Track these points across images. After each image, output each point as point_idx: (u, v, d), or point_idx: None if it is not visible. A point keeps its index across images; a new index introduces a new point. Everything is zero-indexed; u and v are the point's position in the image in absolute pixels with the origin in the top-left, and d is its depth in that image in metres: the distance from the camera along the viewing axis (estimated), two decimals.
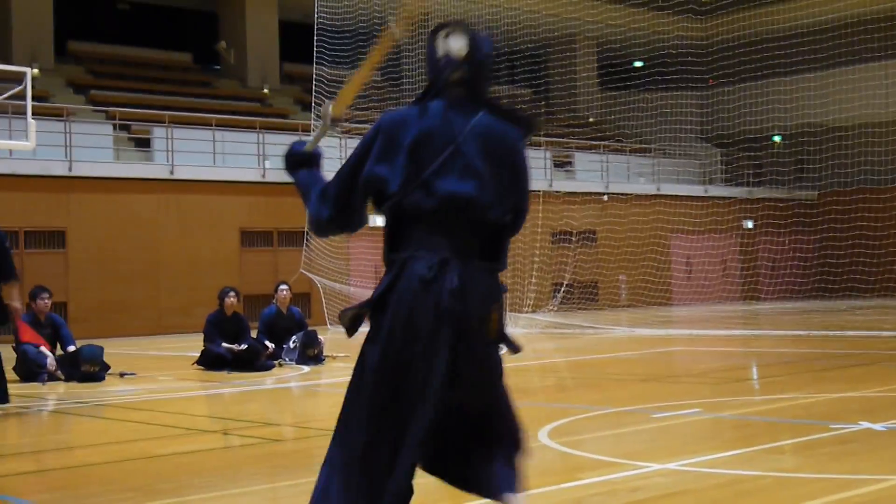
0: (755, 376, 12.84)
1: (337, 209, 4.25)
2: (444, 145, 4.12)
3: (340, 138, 29.79)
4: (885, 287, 35.16)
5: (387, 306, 4.08)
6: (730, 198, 38.62)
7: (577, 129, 39.61)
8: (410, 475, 4.12)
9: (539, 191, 29.71)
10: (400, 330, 4.04)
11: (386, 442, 4.10)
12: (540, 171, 34.04)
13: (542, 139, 35.56)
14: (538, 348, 18.15)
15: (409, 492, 4.15)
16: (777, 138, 41.85)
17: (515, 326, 23.20)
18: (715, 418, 8.91)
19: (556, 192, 32.33)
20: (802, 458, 6.93)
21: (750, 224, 39.30)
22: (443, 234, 4.11)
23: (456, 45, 4.19)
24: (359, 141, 4.23)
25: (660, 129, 40.63)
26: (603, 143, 38.43)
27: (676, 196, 37.02)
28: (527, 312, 25.73)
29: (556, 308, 29.10)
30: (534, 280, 26.58)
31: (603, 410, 9.56)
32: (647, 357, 15.82)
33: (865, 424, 8.00)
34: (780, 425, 8.36)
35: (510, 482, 4.62)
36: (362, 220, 4.36)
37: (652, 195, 36.21)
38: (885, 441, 7.39)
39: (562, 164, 36.58)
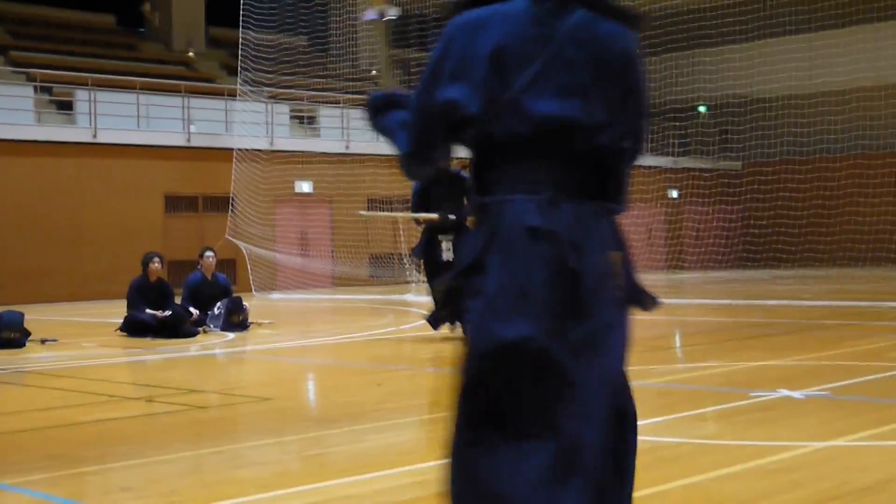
0: (678, 345, 12.97)
1: (418, 145, 3.37)
2: (535, 53, 3.17)
3: (266, 103, 29.55)
4: (806, 257, 35.68)
5: (486, 268, 3.14)
6: (655, 167, 38.87)
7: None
8: None
9: (465, 158, 29.58)
10: (509, 298, 3.08)
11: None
12: None
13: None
14: None
15: None
16: (702, 109, 42.16)
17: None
18: (638, 386, 8.96)
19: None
20: (723, 426, 7.02)
21: (675, 194, 39.60)
22: (543, 169, 3.21)
23: None
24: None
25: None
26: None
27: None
28: None
29: None
30: None
31: None
32: None
33: (784, 392, 8.11)
34: (701, 393, 8.45)
35: None
36: (446, 154, 3.44)
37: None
38: (802, 408, 7.50)
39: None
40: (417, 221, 13.34)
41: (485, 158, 3.29)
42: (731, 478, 5.49)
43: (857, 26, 36.61)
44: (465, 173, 12.91)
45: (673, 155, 40.65)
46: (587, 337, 3.14)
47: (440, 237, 12.79)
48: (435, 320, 12.50)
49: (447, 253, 12.65)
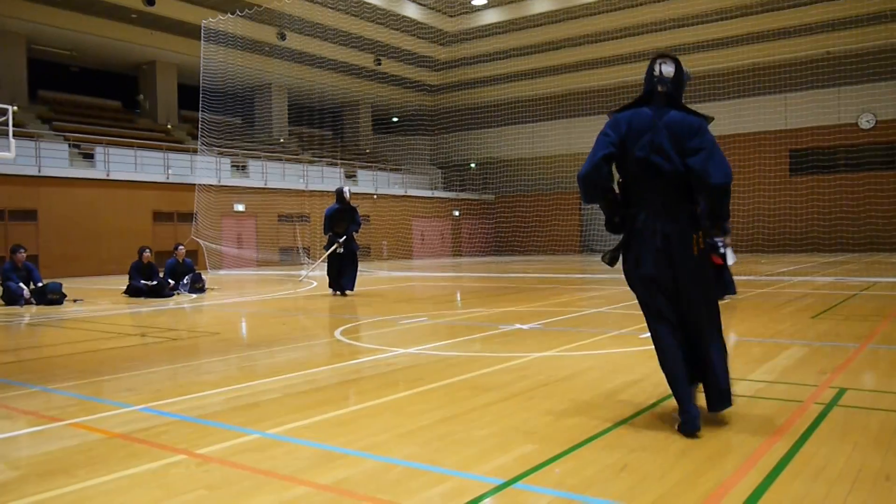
0: (458, 299, 13.11)
1: (589, 179, 4.04)
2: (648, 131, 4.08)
3: (216, 157, 28.58)
4: (532, 249, 36.55)
5: (630, 245, 4.12)
6: (445, 198, 39.25)
7: (359, 156, 39.32)
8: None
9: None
10: (641, 258, 4.08)
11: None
12: (337, 180, 33.65)
13: (339, 161, 35.11)
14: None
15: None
16: (473, 165, 42.80)
17: (322, 271, 22.96)
18: (434, 323, 9.04)
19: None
20: (484, 345, 7.12)
21: (457, 213, 40.09)
22: (649, 193, 4.08)
23: (667, 69, 4.15)
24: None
25: (406, 157, 40.83)
26: (374, 164, 38.29)
27: (417, 196, 37.31)
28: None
29: None
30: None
31: (371, 319, 9.58)
32: (397, 288, 15.93)
33: (518, 326, 8.27)
34: (471, 327, 8.52)
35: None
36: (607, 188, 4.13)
37: (402, 196, 36.38)
38: (528, 335, 7.65)
39: (350, 176, 36.23)
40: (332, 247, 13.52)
41: (626, 184, 4.13)
42: (490, 374, 5.58)
43: (566, 119, 37.63)
44: (358, 209, 13.45)
45: (456, 190, 41.09)
46: (675, 274, 4.03)
47: (337, 241, 13.26)
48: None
49: (339, 248, 13.20)
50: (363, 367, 6.04)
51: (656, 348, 4.06)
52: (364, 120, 42.06)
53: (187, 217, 26.59)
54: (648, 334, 7.14)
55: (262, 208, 29.69)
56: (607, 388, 5.04)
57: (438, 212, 38.35)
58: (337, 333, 8.08)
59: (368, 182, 35.74)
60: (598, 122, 36.86)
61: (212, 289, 15.62)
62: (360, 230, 13.45)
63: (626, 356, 6.23)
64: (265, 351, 7.05)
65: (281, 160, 33.07)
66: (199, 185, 26.59)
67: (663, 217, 4.04)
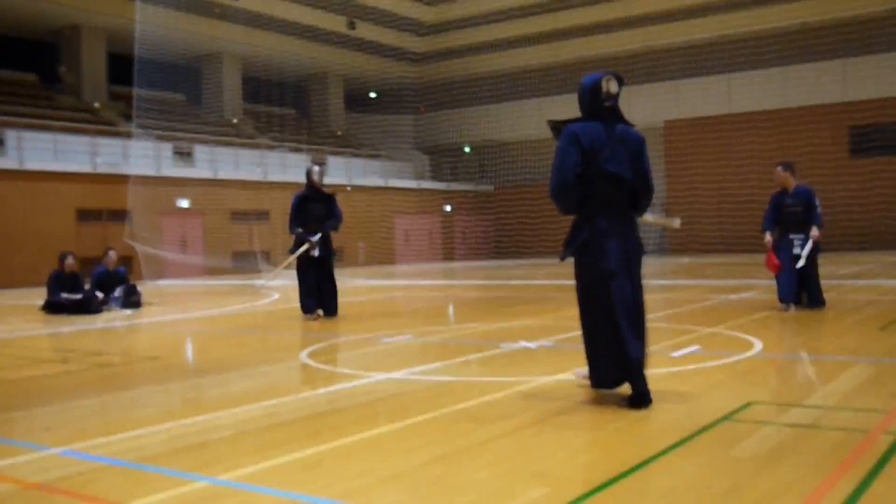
0: (451, 312, 13.11)
1: (560, 188, 5.42)
2: (605, 145, 5.41)
3: (155, 142, 28.53)
4: (540, 251, 36.65)
5: (590, 245, 5.46)
6: (434, 190, 39.31)
7: (328, 140, 39.35)
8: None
9: (302, 183, 29.35)
10: (604, 256, 5.40)
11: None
12: (303, 168, 33.67)
13: (304, 146, 35.15)
14: (293, 295, 17.98)
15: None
16: (467, 149, 42.87)
17: (284, 279, 22.93)
18: (423, 342, 9.03)
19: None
20: (482, 367, 7.12)
21: (448, 208, 40.13)
22: (609, 199, 5.47)
23: (614, 87, 5.49)
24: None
25: (387, 140, 40.88)
26: (347, 149, 38.31)
27: (398, 188, 37.35)
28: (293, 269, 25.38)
29: None
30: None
31: (346, 338, 9.56)
32: (376, 300, 15.93)
33: (523, 343, 8.28)
34: (467, 345, 8.54)
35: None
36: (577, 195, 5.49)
37: (381, 187, 36.41)
38: (535, 355, 7.67)
39: (319, 164, 36.21)
40: (299, 248, 11.91)
41: (587, 193, 5.43)
42: (490, 403, 5.56)
43: (569, 95, 37.72)
44: (337, 197, 12.34)
45: (447, 181, 41.15)
46: (625, 258, 5.41)
47: (308, 241, 11.69)
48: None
49: (314, 251, 11.71)
50: (336, 396, 6.02)
51: (596, 338, 5.55)
52: (335, 96, 42.10)
53: (119, 216, 26.52)
54: (682, 352, 7.16)
55: (212, 204, 29.67)
56: (633, 417, 5.03)
57: (426, 207, 38.40)
58: (304, 356, 8.06)
59: (341, 170, 35.77)
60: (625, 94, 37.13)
61: (150, 303, 15.60)
62: (339, 227, 11.94)
63: (656, 379, 6.22)
64: (216, 378, 7.03)
65: (234, 145, 33.05)
66: (134, 176, 26.51)
67: (622, 222, 5.50)
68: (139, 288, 15.33)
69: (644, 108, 36.28)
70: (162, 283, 24.86)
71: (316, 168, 11.88)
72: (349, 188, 34.55)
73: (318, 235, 11.73)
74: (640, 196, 5.55)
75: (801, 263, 10.47)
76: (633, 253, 5.49)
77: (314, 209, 11.78)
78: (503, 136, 39.53)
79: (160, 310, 14.68)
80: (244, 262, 29.52)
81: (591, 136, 5.40)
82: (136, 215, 26.29)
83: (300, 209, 11.81)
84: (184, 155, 30.89)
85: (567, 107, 38.44)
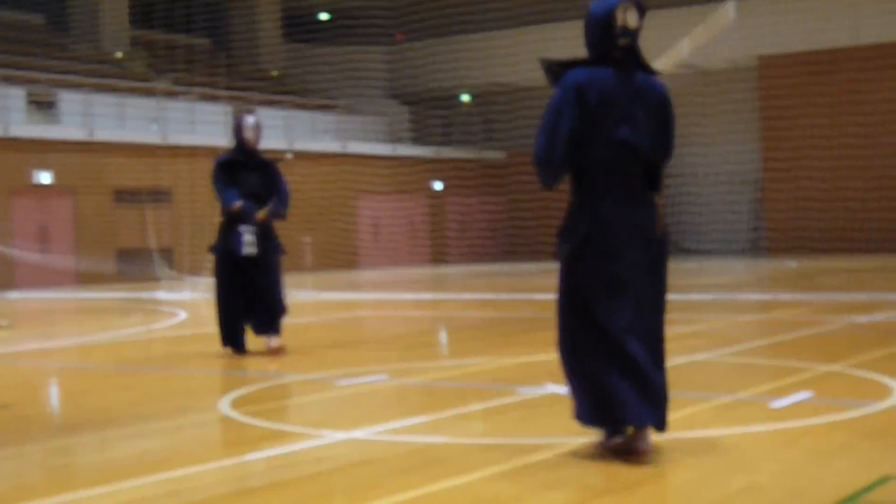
0: (443, 341, 13.11)
1: (548, 157, 5.78)
2: (621, 101, 5.72)
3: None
4: None
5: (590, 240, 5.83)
6: (417, 157, 39.26)
7: (259, 83, 39.30)
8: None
9: (219, 147, 29.33)
10: (609, 250, 5.77)
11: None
12: (220, 126, 33.65)
13: (222, 93, 35.11)
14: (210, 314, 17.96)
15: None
16: (466, 97, 42.83)
17: (195, 291, 22.88)
18: (401, 384, 9.02)
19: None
20: (490, 423, 7.12)
21: (438, 185, 40.07)
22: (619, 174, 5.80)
23: (632, 18, 5.65)
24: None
25: (346, 84, 40.83)
26: (286, 97, 38.29)
27: (363, 155, 37.31)
28: (207, 276, 25.38)
29: None
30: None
31: (286, 378, 9.55)
32: (332, 322, 15.92)
33: (551, 388, 8.25)
34: (467, 390, 8.53)
35: None
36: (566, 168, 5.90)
37: (337, 154, 36.38)
38: (568, 404, 7.65)
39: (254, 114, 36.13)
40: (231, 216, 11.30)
41: (589, 166, 5.77)
42: (498, 477, 5.55)
43: None
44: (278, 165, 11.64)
45: (436, 144, 41.07)
46: (645, 259, 5.76)
47: (242, 229, 11.14)
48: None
49: (249, 247, 11.19)
50: (272, 465, 6.02)
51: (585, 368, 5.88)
52: (267, 18, 42.08)
53: None
54: (782, 402, 7.20)
55: (86, 179, 29.64)
56: (711, 498, 5.06)
57: (405, 183, 38.39)
58: (224, 404, 8.06)
59: (277, 129, 35.73)
60: (680, 17, 37.23)
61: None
62: (286, 210, 11.49)
63: (746, 441, 6.23)
64: (93, 438, 7.02)
65: (118, 91, 33.01)
66: None
67: (638, 207, 5.81)
68: None
69: (727, 38, 36.34)
70: (12, 295, 24.81)
71: (250, 120, 11.54)
72: (290, 155, 34.53)
73: (255, 227, 11.25)
74: (659, 171, 5.93)
75: None
76: (654, 251, 5.82)
77: (247, 181, 11.33)
78: (520, 78, 39.50)
79: (10, 336, 14.66)
80: (134, 264, 29.51)
81: (599, 90, 5.66)
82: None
83: (228, 179, 11.34)
84: (43, 105, 30.85)
85: None
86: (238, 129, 11.43)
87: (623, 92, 5.69)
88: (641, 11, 5.68)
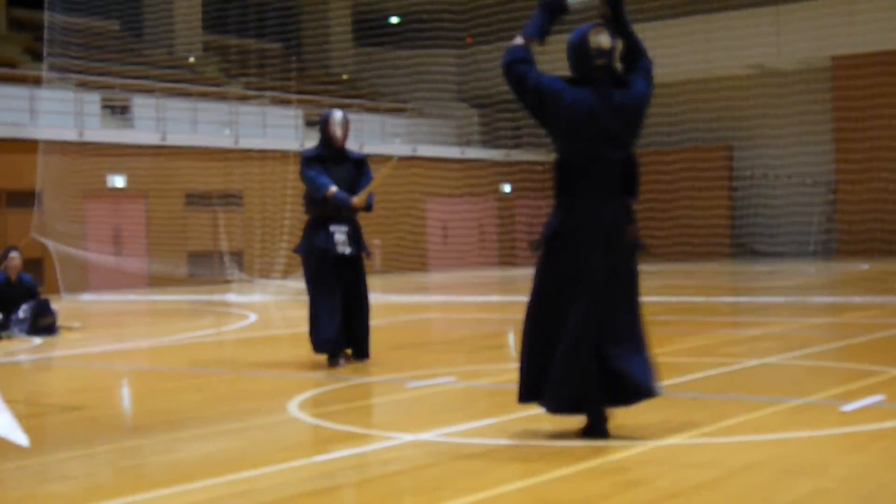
0: (511, 343, 13.09)
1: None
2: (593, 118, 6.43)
3: (75, 91, 28.86)
4: (658, 247, 36.36)
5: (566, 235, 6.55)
6: (487, 160, 39.25)
7: (330, 87, 39.47)
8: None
9: (290, 151, 29.54)
10: (580, 245, 6.50)
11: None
12: (291, 129, 33.85)
13: (294, 97, 35.33)
14: (289, 316, 18.07)
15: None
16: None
17: (265, 293, 23.04)
18: (470, 387, 9.02)
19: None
20: (557, 425, 7.10)
21: (507, 188, 40.02)
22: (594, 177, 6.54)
23: (604, 40, 6.49)
24: None
25: (416, 88, 40.90)
26: (357, 101, 38.43)
27: (433, 158, 37.35)
28: (276, 278, 25.56)
29: None
30: (284, 245, 26.42)
31: (355, 381, 9.59)
32: (401, 324, 15.95)
33: None
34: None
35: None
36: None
37: (407, 157, 36.43)
38: (637, 408, 7.58)
39: (314, 124, 36.30)
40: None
41: (567, 171, 6.54)
42: (565, 479, 5.54)
43: (688, 17, 37.56)
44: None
45: (506, 147, 41.02)
46: (611, 261, 6.47)
47: (334, 227, 10.70)
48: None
49: (343, 246, 10.71)
50: (339, 466, 6.04)
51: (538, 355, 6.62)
52: (338, 23, 42.26)
53: (24, 200, 26.85)
54: (856, 404, 7.11)
55: (158, 183, 29.94)
56: (780, 502, 5.01)
57: (474, 186, 38.40)
58: (293, 406, 8.10)
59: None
60: (773, 18, 36.79)
61: (68, 327, 15.76)
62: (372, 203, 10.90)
63: (815, 445, 6.17)
64: (162, 439, 7.10)
65: (191, 96, 33.32)
66: (45, 141, 26.83)
67: (612, 210, 6.51)
68: (54, 306, 15.50)
69: (801, 37, 35.99)
70: (86, 297, 25.11)
71: (338, 115, 11.02)
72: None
73: (348, 227, 10.81)
74: (634, 178, 6.62)
75: None
76: (622, 254, 6.57)
77: (335, 177, 10.79)
78: None
79: (83, 337, 14.81)
80: (205, 267, 29.76)
81: (578, 106, 6.44)
82: (48, 199, 26.58)
83: (318, 180, 10.74)
84: (117, 110, 31.21)
85: (690, 37, 37.86)
86: (325, 125, 11.00)
87: (600, 109, 6.41)
88: (613, 31, 6.51)
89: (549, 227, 6.57)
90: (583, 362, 6.39)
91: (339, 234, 10.73)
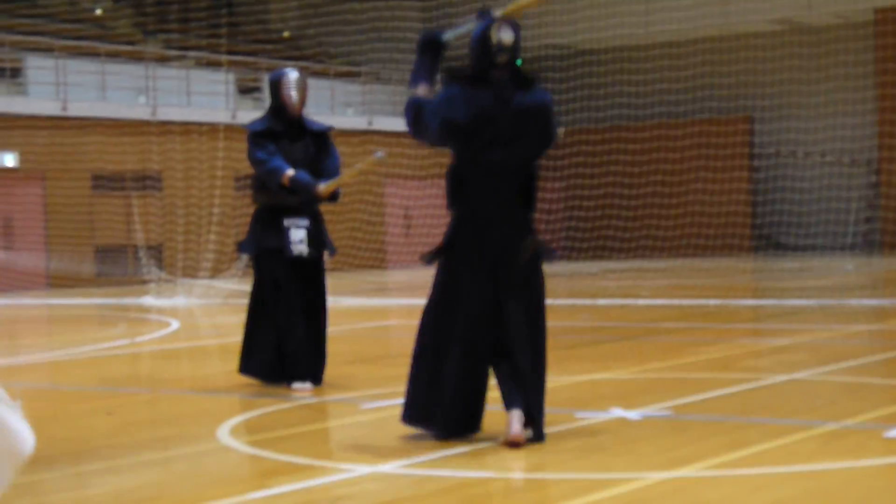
0: None
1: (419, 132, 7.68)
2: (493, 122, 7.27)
3: None
4: (643, 246, 36.54)
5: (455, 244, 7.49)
6: None
7: (268, 46, 39.43)
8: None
9: (219, 123, 29.51)
10: (470, 258, 7.39)
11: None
12: (221, 97, 33.78)
13: (225, 58, 35.27)
14: (219, 323, 18.07)
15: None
16: (517, 62, 42.72)
17: (189, 296, 23.01)
18: None
19: (242, 125, 32.20)
20: (544, 455, 7.11)
21: None
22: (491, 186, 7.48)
23: (507, 35, 7.27)
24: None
25: (372, 47, 40.88)
26: (301, 63, 38.37)
27: (392, 132, 37.27)
28: (204, 278, 25.53)
29: (241, 272, 28.99)
30: (213, 237, 26.40)
31: (300, 401, 9.59)
32: (355, 333, 15.97)
33: (617, 412, 8.27)
34: None
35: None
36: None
37: (362, 130, 36.42)
38: (638, 433, 7.65)
39: (249, 91, 36.29)
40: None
41: (463, 179, 7.44)
42: None
43: None
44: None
45: None
46: (508, 279, 7.28)
47: (289, 222, 10.34)
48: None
49: (299, 246, 10.36)
50: None
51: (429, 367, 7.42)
52: None
53: None
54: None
55: (58, 162, 29.84)
56: None
57: (444, 165, 38.29)
58: (224, 432, 8.11)
59: None
60: None
61: None
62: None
63: (855, 477, 6.22)
64: (68, 473, 7.09)
65: (98, 56, 33.20)
66: None
67: (507, 221, 7.32)
68: None
69: None
70: None
71: (293, 75, 10.53)
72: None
73: (307, 221, 10.49)
74: (532, 191, 7.46)
75: None
76: (521, 272, 7.33)
77: (289, 156, 10.37)
78: (581, 39, 39.47)
79: None
80: (117, 264, 29.70)
81: (474, 112, 7.22)
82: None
83: (272, 159, 10.32)
84: (7, 73, 31.07)
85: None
86: (277, 88, 10.48)
87: (499, 113, 7.21)
88: (516, 29, 7.27)
89: (443, 239, 7.42)
90: (469, 384, 7.35)
91: (296, 229, 10.35)
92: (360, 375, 11.09)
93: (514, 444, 7.04)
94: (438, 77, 7.63)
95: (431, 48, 7.65)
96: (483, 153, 7.26)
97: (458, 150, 7.41)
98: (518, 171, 7.36)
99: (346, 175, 10.50)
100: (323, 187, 10.19)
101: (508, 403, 7.24)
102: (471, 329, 7.31)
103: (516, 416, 7.14)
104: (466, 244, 7.32)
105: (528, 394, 7.25)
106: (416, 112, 7.42)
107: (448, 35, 7.71)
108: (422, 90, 7.48)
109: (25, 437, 3.56)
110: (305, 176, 10.13)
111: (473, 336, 7.32)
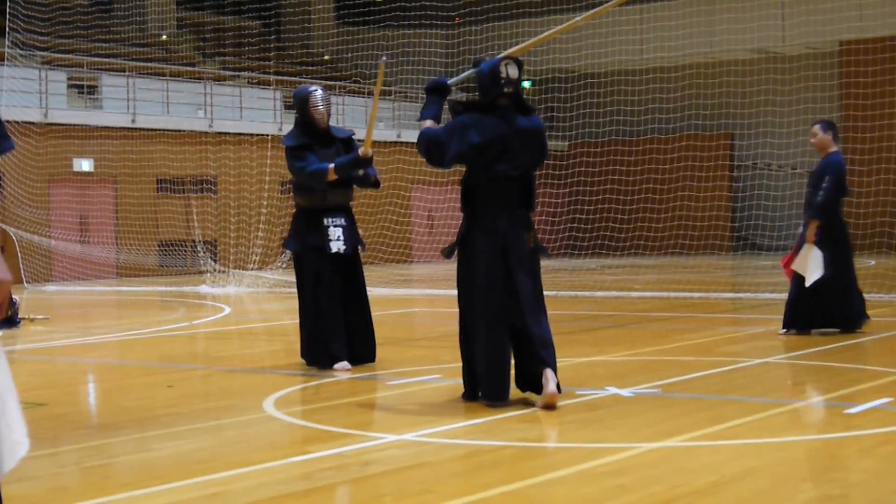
0: None
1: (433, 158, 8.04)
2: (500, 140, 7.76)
3: (39, 69, 28.76)
4: (636, 245, 36.44)
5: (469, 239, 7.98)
6: None
7: (310, 68, 39.41)
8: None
9: (267, 135, 29.50)
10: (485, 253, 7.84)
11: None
12: (269, 112, 33.79)
13: (273, 78, 35.27)
14: (265, 309, 18.06)
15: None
16: (527, 84, 42.65)
17: (240, 285, 23.02)
18: (456, 385, 9.02)
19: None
20: (547, 427, 7.10)
21: None
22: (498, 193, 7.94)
23: (513, 71, 7.78)
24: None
25: (401, 69, 40.82)
26: (339, 83, 38.36)
27: None
28: (252, 269, 25.51)
29: (285, 265, 29.02)
30: (260, 234, 26.39)
31: (334, 378, 9.58)
32: (384, 319, 15.95)
33: (612, 390, 8.26)
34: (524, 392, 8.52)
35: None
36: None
37: (391, 142, 36.38)
38: (631, 407, 7.64)
39: (293, 107, 36.20)
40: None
41: (472, 186, 7.93)
42: (555, 483, 5.55)
43: None
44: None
45: None
46: (516, 253, 7.75)
47: (328, 222, 10.09)
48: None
49: (337, 242, 10.08)
50: (317, 467, 6.05)
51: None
52: (320, 1, 42.18)
53: None
54: (859, 408, 7.14)
55: (128, 167, 29.87)
56: None
57: (463, 172, 38.29)
58: (269, 404, 8.10)
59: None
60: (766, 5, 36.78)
61: (30, 319, 15.73)
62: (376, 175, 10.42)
63: (819, 449, 6.18)
64: (131, 439, 7.09)
65: (163, 76, 33.23)
66: (7, 122, 26.70)
67: (511, 221, 7.75)
68: (15, 297, 15.47)
69: (807, 20, 36.01)
70: (50, 288, 25.06)
71: (318, 94, 10.42)
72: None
73: (344, 221, 10.26)
74: (532, 194, 7.94)
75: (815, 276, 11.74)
76: (523, 260, 7.80)
77: (327, 158, 10.11)
78: (583, 64, 39.37)
79: (47, 330, 14.79)
80: (177, 257, 29.71)
81: (484, 133, 7.69)
82: (11, 183, 26.50)
83: (306, 168, 10.07)
84: (84, 90, 31.11)
85: (690, 21, 37.81)
86: (304, 106, 10.38)
87: (506, 133, 7.69)
88: (520, 66, 7.83)
89: (458, 236, 7.95)
90: (499, 352, 7.70)
91: (334, 228, 10.11)
92: (387, 356, 11.06)
93: (549, 406, 7.46)
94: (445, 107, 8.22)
95: (438, 90, 8.15)
96: (492, 166, 7.73)
97: (472, 164, 7.86)
98: (520, 180, 7.85)
99: (370, 120, 10.36)
100: (363, 150, 10.04)
101: (537, 364, 7.61)
102: (489, 300, 7.69)
103: (550, 375, 7.52)
104: (477, 236, 7.78)
105: (550, 355, 7.68)
106: (428, 142, 7.83)
107: (451, 81, 8.28)
108: (428, 123, 7.94)
109: (15, 447, 3.13)
110: (343, 157, 10.03)
111: (493, 305, 7.70)
